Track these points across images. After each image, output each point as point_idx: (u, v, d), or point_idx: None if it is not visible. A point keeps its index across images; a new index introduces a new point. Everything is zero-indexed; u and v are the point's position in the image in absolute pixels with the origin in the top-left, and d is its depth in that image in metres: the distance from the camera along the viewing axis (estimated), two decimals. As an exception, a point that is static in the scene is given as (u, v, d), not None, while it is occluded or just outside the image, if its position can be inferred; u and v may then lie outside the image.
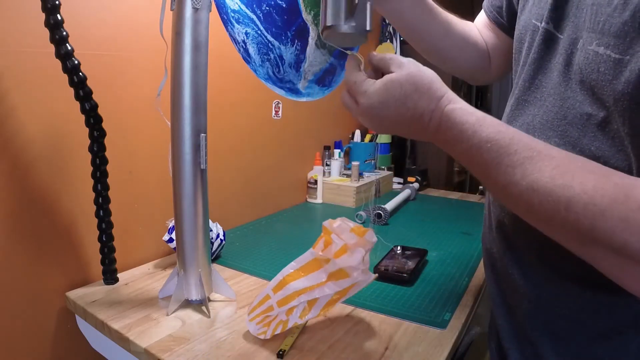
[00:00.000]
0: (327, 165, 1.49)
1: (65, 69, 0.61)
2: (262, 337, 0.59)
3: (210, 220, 0.75)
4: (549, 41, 0.46)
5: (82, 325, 0.72)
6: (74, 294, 0.73)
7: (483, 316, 0.83)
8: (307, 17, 0.61)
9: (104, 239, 0.73)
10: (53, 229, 0.73)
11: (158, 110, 0.66)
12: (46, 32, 0.59)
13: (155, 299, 0.71)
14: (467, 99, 2.19)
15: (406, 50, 1.82)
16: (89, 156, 0.68)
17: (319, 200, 1.44)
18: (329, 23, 0.49)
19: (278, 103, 1.25)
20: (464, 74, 0.74)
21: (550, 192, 0.34)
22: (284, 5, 0.60)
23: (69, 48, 0.60)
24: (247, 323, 0.61)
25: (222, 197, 1.08)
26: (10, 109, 0.65)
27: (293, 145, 1.37)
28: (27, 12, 0.64)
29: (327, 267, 0.57)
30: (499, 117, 0.54)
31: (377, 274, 0.58)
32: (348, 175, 1.48)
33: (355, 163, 1.45)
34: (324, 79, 0.69)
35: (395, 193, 1.48)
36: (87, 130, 0.67)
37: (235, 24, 0.61)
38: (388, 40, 1.81)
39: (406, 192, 1.46)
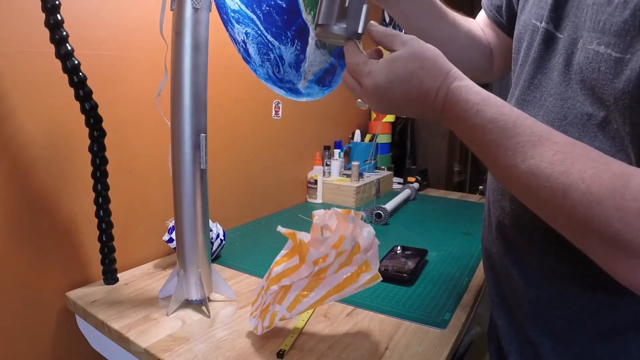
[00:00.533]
0: (327, 165, 1.49)
1: (65, 69, 0.61)
2: (256, 332, 0.59)
3: (210, 220, 0.75)
4: (548, 41, 0.46)
5: (82, 325, 0.72)
6: (74, 294, 0.73)
7: (483, 316, 0.83)
8: (307, 17, 0.61)
9: (104, 239, 0.73)
10: (53, 229, 0.73)
11: (158, 110, 0.66)
12: (46, 32, 0.58)
13: (155, 299, 0.71)
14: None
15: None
16: (89, 156, 0.68)
17: (319, 200, 1.43)
18: (320, 21, 0.49)
19: (278, 103, 1.25)
20: (467, 73, 0.73)
21: (549, 178, 0.34)
22: (284, 5, 0.60)
23: (69, 48, 0.60)
24: (249, 319, 0.61)
25: (222, 197, 1.08)
26: (10, 109, 0.65)
27: (293, 145, 1.37)
28: (27, 12, 0.64)
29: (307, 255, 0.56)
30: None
31: (380, 278, 0.57)
32: (348, 175, 1.48)
33: (355, 163, 1.45)
34: (324, 79, 0.69)
35: (395, 193, 1.48)
36: (87, 130, 0.67)
37: (235, 24, 0.61)
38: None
39: (406, 192, 1.46)
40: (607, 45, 0.38)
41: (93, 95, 0.65)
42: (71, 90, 0.63)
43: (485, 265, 0.60)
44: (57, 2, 0.57)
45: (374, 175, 1.53)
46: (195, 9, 0.59)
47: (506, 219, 0.52)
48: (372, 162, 1.60)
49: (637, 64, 0.35)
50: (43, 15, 0.57)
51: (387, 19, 1.80)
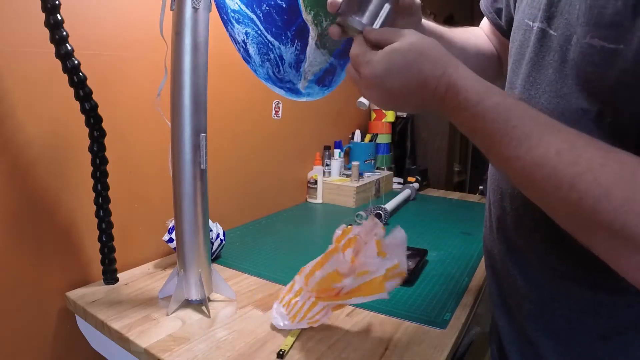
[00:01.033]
0: (327, 165, 1.48)
1: (65, 69, 0.61)
2: (276, 325, 0.61)
3: (210, 220, 0.75)
4: (542, 39, 0.46)
5: (82, 325, 0.72)
6: (74, 294, 0.73)
7: (483, 316, 0.83)
8: (307, 17, 0.61)
9: (104, 239, 0.73)
10: (53, 229, 0.73)
11: (158, 110, 0.66)
12: (46, 32, 0.58)
13: (155, 299, 0.71)
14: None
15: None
16: (89, 156, 0.68)
17: (319, 200, 1.43)
18: (340, 10, 0.49)
19: (278, 103, 1.25)
20: None
21: (555, 168, 0.33)
22: (284, 5, 0.60)
23: (69, 48, 0.60)
24: (275, 307, 0.63)
25: (222, 197, 1.08)
26: (10, 109, 0.65)
27: (293, 145, 1.37)
28: (27, 12, 0.64)
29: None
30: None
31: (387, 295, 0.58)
32: (348, 175, 1.48)
33: (355, 163, 1.45)
34: (324, 79, 0.69)
35: (395, 193, 1.48)
36: (87, 130, 0.67)
37: (235, 24, 0.61)
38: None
39: (406, 192, 1.46)
40: (600, 38, 0.38)
41: (93, 95, 0.65)
42: (71, 90, 0.63)
43: (486, 265, 0.61)
44: (57, 2, 0.57)
45: (374, 175, 1.53)
46: (195, 9, 0.59)
47: (507, 219, 0.52)
48: (372, 162, 1.59)
49: (630, 54, 0.35)
50: (43, 15, 0.57)
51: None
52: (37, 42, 0.66)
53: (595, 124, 0.40)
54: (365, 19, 0.48)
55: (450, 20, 2.44)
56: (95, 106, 0.66)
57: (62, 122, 0.72)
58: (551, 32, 0.45)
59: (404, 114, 1.81)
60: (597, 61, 0.38)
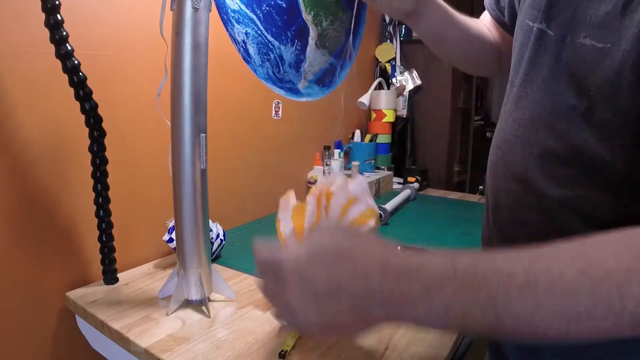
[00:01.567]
0: (327, 165, 1.48)
1: (65, 69, 0.61)
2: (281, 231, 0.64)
3: (210, 220, 0.75)
4: (541, 39, 0.47)
5: (82, 325, 0.72)
6: (74, 294, 0.73)
7: (483, 316, 0.83)
8: (307, 17, 0.61)
9: (104, 239, 0.73)
10: (53, 229, 0.73)
11: (158, 110, 0.66)
12: (46, 32, 0.58)
13: (155, 299, 0.71)
14: (467, 98, 2.19)
15: (405, 50, 1.82)
16: (89, 156, 0.68)
17: (319, 200, 1.43)
18: None
19: (278, 103, 1.25)
20: (479, 72, 0.77)
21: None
22: (284, 5, 0.60)
23: (69, 48, 0.60)
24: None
25: (222, 197, 1.08)
26: (10, 109, 0.65)
27: (293, 145, 1.37)
28: (27, 12, 0.64)
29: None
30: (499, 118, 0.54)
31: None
32: (348, 175, 1.47)
33: (355, 163, 1.45)
34: (324, 79, 0.69)
35: (395, 193, 1.48)
36: (87, 130, 0.67)
37: (235, 24, 0.61)
38: (388, 41, 1.81)
39: (406, 192, 1.46)
40: (592, 37, 0.39)
41: (93, 95, 0.65)
42: (71, 90, 0.63)
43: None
44: (57, 2, 0.57)
45: (374, 175, 1.53)
46: (195, 9, 0.59)
47: (506, 220, 0.52)
48: (372, 162, 1.59)
49: (619, 53, 0.36)
50: (43, 15, 0.57)
51: (387, 19, 1.80)
52: (37, 42, 0.66)
53: (584, 121, 0.41)
54: None
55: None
56: (95, 106, 0.66)
57: (62, 122, 0.72)
58: (549, 32, 0.46)
59: (404, 114, 1.81)
60: (587, 60, 0.40)
